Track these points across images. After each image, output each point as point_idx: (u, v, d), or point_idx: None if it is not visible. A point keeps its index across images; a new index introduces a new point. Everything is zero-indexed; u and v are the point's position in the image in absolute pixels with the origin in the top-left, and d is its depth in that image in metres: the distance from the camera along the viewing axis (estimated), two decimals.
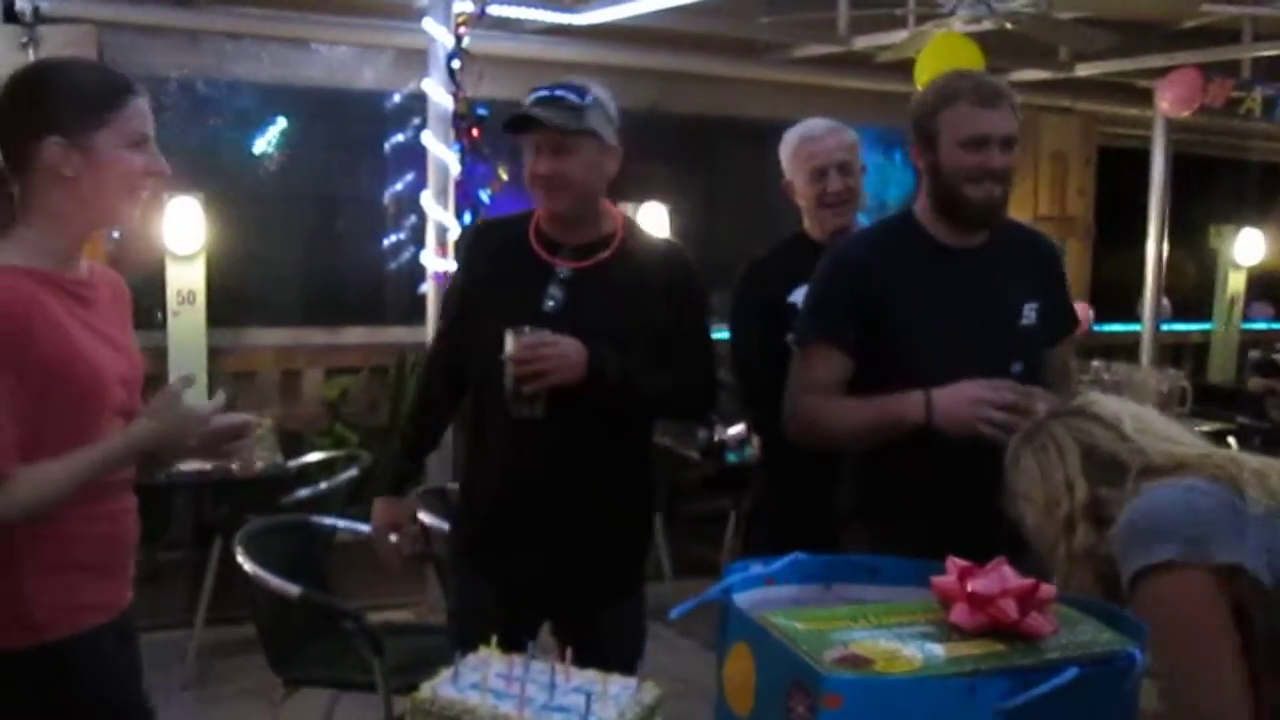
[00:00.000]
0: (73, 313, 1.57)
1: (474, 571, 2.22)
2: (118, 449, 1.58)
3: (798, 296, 2.40)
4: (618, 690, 1.38)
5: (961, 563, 1.15)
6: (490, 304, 2.13)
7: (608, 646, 1.82)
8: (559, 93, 2.05)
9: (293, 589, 2.71)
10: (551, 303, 2.08)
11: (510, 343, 1.99)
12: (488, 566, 2.19)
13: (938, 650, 1.06)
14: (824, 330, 2.11)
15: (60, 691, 1.57)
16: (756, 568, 1.20)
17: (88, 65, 1.72)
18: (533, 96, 2.07)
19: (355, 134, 5.39)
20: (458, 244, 4.34)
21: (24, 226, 1.57)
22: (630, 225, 2.21)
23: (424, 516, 2.91)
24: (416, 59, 4.57)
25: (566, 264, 2.11)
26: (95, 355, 1.58)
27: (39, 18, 4.23)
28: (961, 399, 1.90)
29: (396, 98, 5.20)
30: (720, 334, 2.44)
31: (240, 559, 2.79)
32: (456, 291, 2.31)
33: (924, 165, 2.07)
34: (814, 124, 2.61)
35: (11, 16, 4.20)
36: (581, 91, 2.07)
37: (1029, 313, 2.11)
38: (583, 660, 1.44)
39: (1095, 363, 5.18)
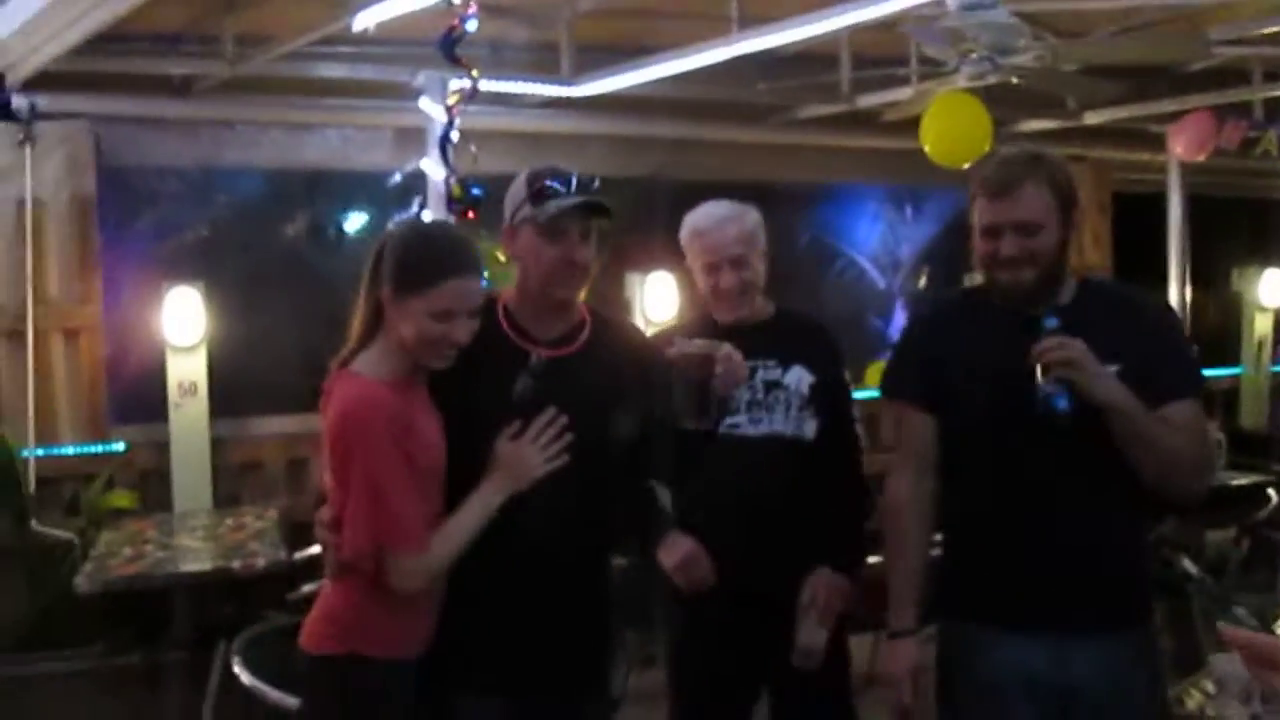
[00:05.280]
0: (418, 407, 1.91)
1: (479, 696, 2.05)
2: (490, 503, 1.90)
3: None
4: None
5: None
6: (459, 394, 2.03)
7: None
8: (585, 179, 2.03)
9: (292, 702, 2.57)
10: (522, 390, 2.00)
11: (698, 352, 2.03)
12: (493, 686, 2.04)
13: None
14: (894, 389, 2.22)
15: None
16: None
17: (438, 239, 2.00)
18: (574, 181, 2.01)
19: (358, 215, 5.35)
20: None
21: (383, 343, 1.90)
22: (595, 314, 2.15)
23: None
24: (416, 136, 4.52)
25: (542, 352, 2.03)
26: (435, 439, 1.91)
27: (35, 115, 4.22)
28: None
29: (397, 177, 5.16)
30: None
31: (237, 670, 2.66)
32: None
33: None
34: (708, 213, 2.50)
35: (8, 114, 4.18)
36: (588, 176, 2.04)
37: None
38: None
39: None
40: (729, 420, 2.45)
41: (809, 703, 2.54)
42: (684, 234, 2.53)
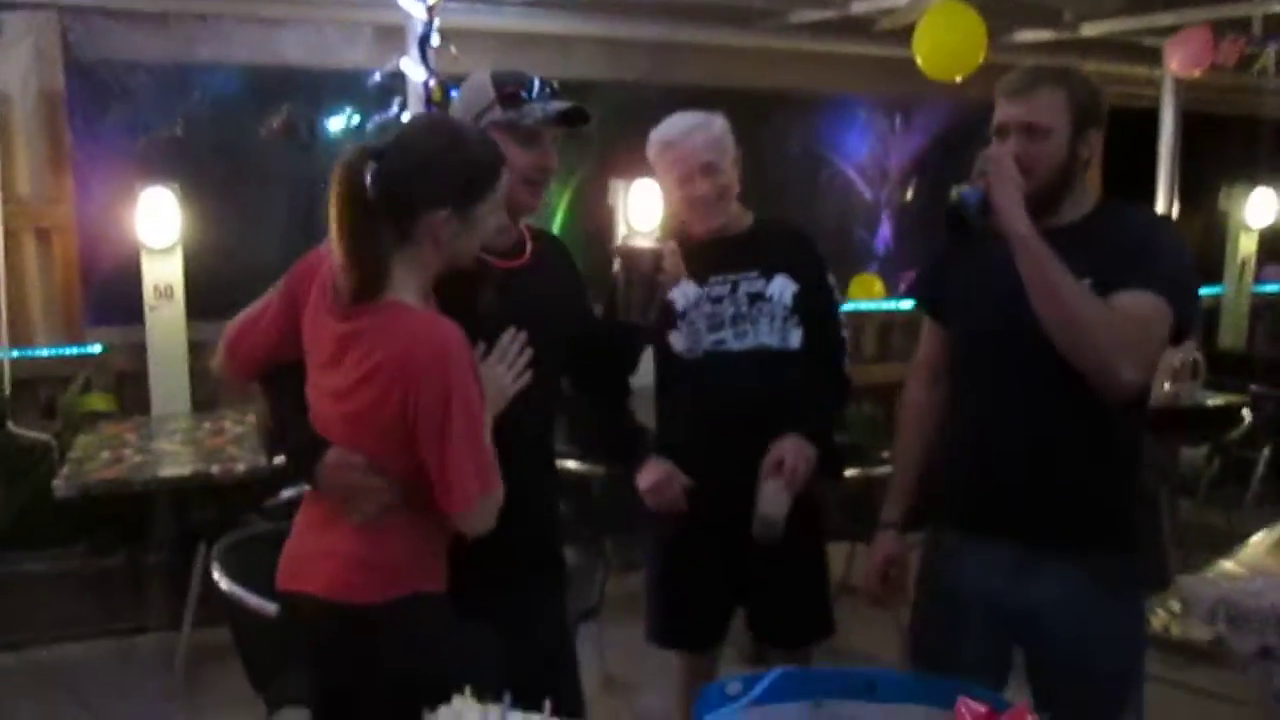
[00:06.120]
0: None
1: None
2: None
3: (675, 294, 2.45)
4: None
5: (976, 707, 1.00)
6: None
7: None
8: (553, 85, 1.98)
9: (271, 608, 2.58)
10: (486, 306, 1.96)
11: (647, 252, 2.08)
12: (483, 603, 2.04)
13: None
14: (912, 294, 2.27)
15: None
16: (734, 685, 1.06)
17: (467, 135, 1.81)
18: (540, 89, 1.97)
19: (336, 114, 5.22)
20: None
21: (411, 276, 1.75)
22: (528, 226, 2.13)
23: None
24: (396, 35, 4.39)
25: (497, 263, 2.00)
26: None
27: (1, 4, 4.06)
28: None
29: (377, 76, 5.02)
30: None
31: (217, 576, 2.67)
32: None
33: None
34: (674, 124, 2.47)
35: None
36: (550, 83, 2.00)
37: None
38: None
39: None
40: (714, 336, 2.46)
41: (787, 616, 2.58)
42: (651, 149, 2.49)
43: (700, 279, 2.46)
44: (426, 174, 1.71)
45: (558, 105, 1.96)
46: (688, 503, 2.45)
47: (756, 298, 2.46)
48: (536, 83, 1.97)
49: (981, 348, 2.05)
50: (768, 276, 2.47)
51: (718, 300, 2.47)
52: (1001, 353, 1.99)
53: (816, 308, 2.50)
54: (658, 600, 2.66)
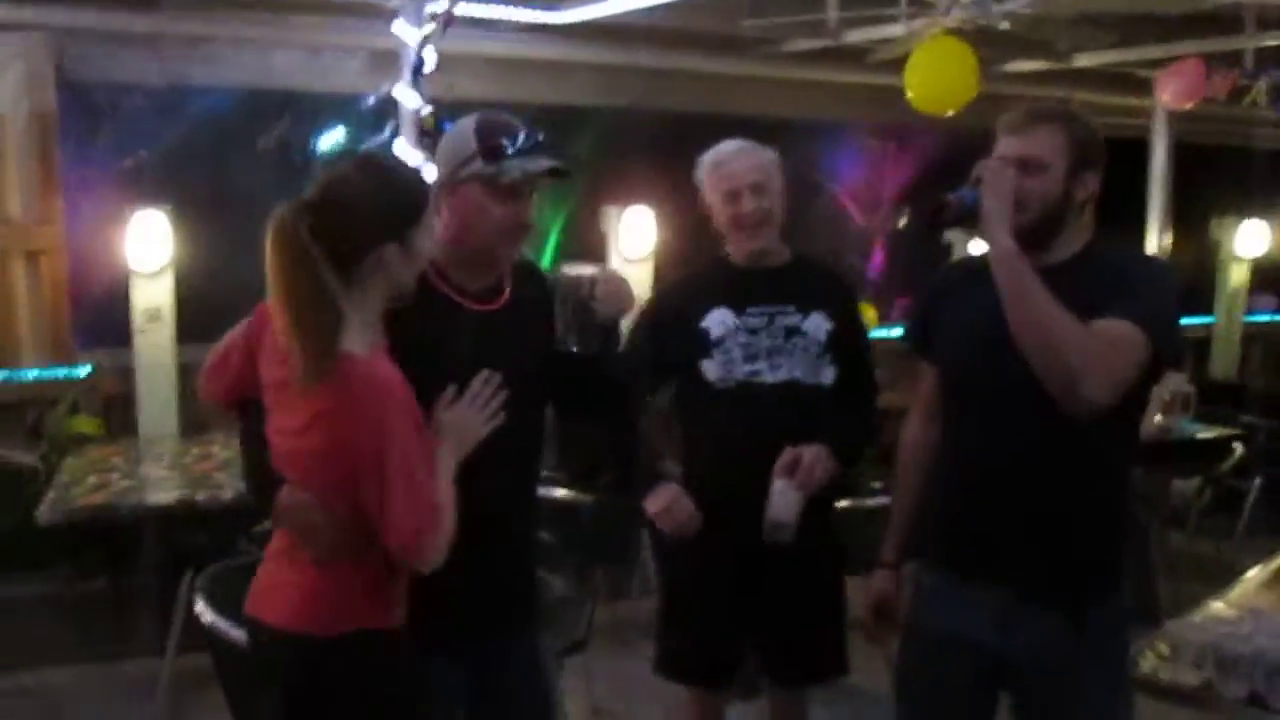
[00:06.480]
0: None
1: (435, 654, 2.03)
2: (450, 468, 1.83)
3: (711, 322, 2.46)
4: None
5: None
6: (397, 350, 1.99)
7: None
8: (537, 135, 1.96)
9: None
10: (460, 347, 1.96)
11: (584, 280, 1.99)
12: (449, 645, 2.02)
13: None
14: (907, 336, 2.24)
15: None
16: None
17: (392, 169, 1.87)
18: (524, 142, 1.94)
19: (330, 138, 5.22)
20: None
21: (353, 312, 1.76)
22: (523, 265, 2.12)
23: None
24: (391, 59, 4.40)
25: (473, 306, 2.00)
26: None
27: None
28: None
29: (370, 100, 5.02)
30: None
31: (199, 609, 2.64)
32: None
33: None
34: (727, 146, 2.52)
35: None
36: (533, 129, 1.97)
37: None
38: None
39: None
40: (749, 367, 2.45)
41: (800, 655, 2.55)
42: (702, 169, 2.51)
43: (737, 308, 2.46)
44: (365, 214, 1.75)
45: (538, 164, 1.93)
46: (705, 533, 2.41)
47: (793, 332, 2.46)
48: (521, 135, 1.95)
49: (969, 388, 2.04)
50: (804, 312, 2.47)
51: (754, 331, 2.46)
52: (988, 395, 1.98)
53: (850, 347, 2.50)
54: (670, 632, 2.61)
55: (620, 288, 2.01)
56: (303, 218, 1.70)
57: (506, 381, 1.91)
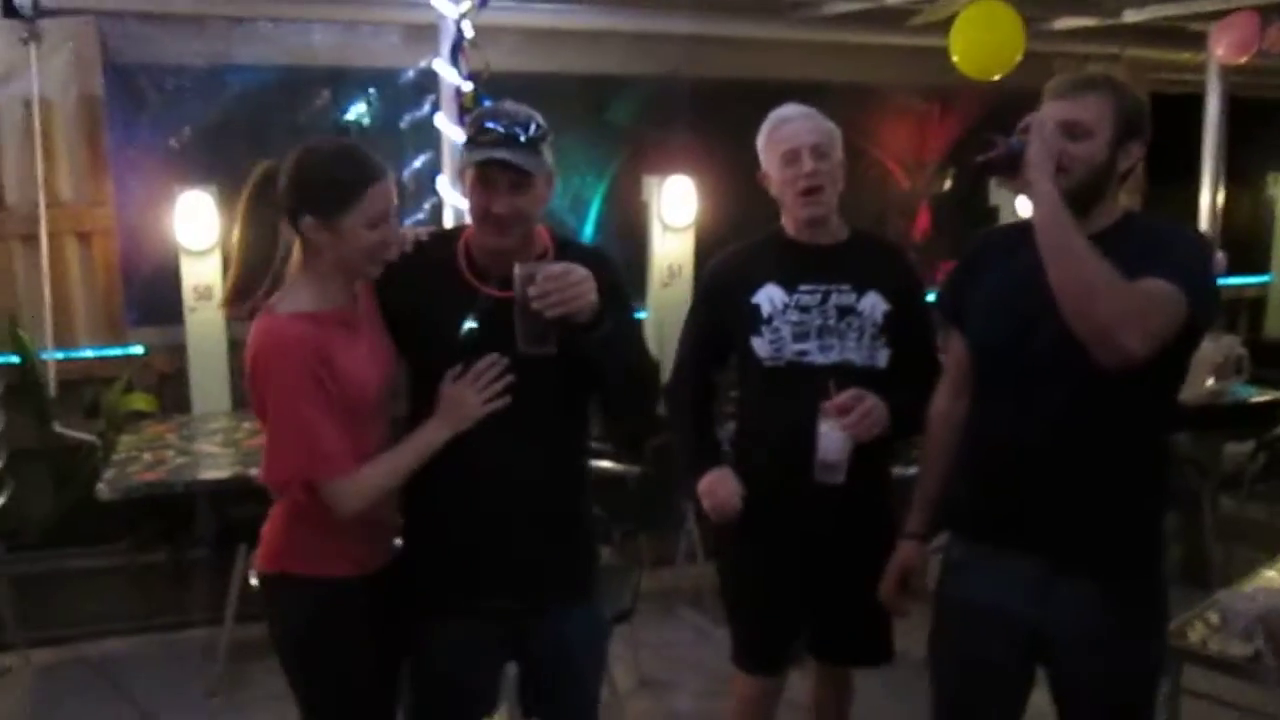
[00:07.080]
0: (342, 341, 1.94)
1: (438, 618, 2.09)
2: (432, 441, 1.97)
3: (762, 298, 2.40)
4: None
5: None
6: (413, 328, 2.05)
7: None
8: (515, 130, 1.94)
9: None
10: (469, 329, 1.99)
11: (524, 276, 1.88)
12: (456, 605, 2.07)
13: None
14: (939, 306, 2.21)
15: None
16: None
17: (343, 154, 1.96)
18: (491, 128, 1.94)
19: (371, 112, 5.25)
20: None
21: (304, 276, 1.97)
22: (560, 243, 2.10)
23: None
24: (430, 33, 4.40)
25: (491, 292, 2.01)
26: (361, 374, 1.96)
27: (39, 11, 4.12)
28: None
29: (410, 74, 5.04)
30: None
31: (254, 580, 2.70)
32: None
33: None
34: (789, 109, 2.47)
35: (11, 11, 4.08)
36: (529, 123, 1.96)
37: None
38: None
39: None
40: (798, 346, 2.38)
41: (851, 639, 2.56)
42: (762, 132, 2.47)
43: (789, 286, 2.40)
44: (300, 185, 1.92)
45: (485, 154, 1.92)
46: (757, 517, 2.40)
47: (847, 311, 2.38)
48: (498, 125, 1.93)
49: (1000, 358, 2.02)
50: (860, 291, 2.39)
51: (805, 309, 2.38)
52: (1020, 365, 1.97)
53: (909, 330, 2.41)
54: (739, 627, 2.60)
55: (558, 285, 1.86)
56: (274, 171, 1.95)
57: (517, 367, 1.95)
